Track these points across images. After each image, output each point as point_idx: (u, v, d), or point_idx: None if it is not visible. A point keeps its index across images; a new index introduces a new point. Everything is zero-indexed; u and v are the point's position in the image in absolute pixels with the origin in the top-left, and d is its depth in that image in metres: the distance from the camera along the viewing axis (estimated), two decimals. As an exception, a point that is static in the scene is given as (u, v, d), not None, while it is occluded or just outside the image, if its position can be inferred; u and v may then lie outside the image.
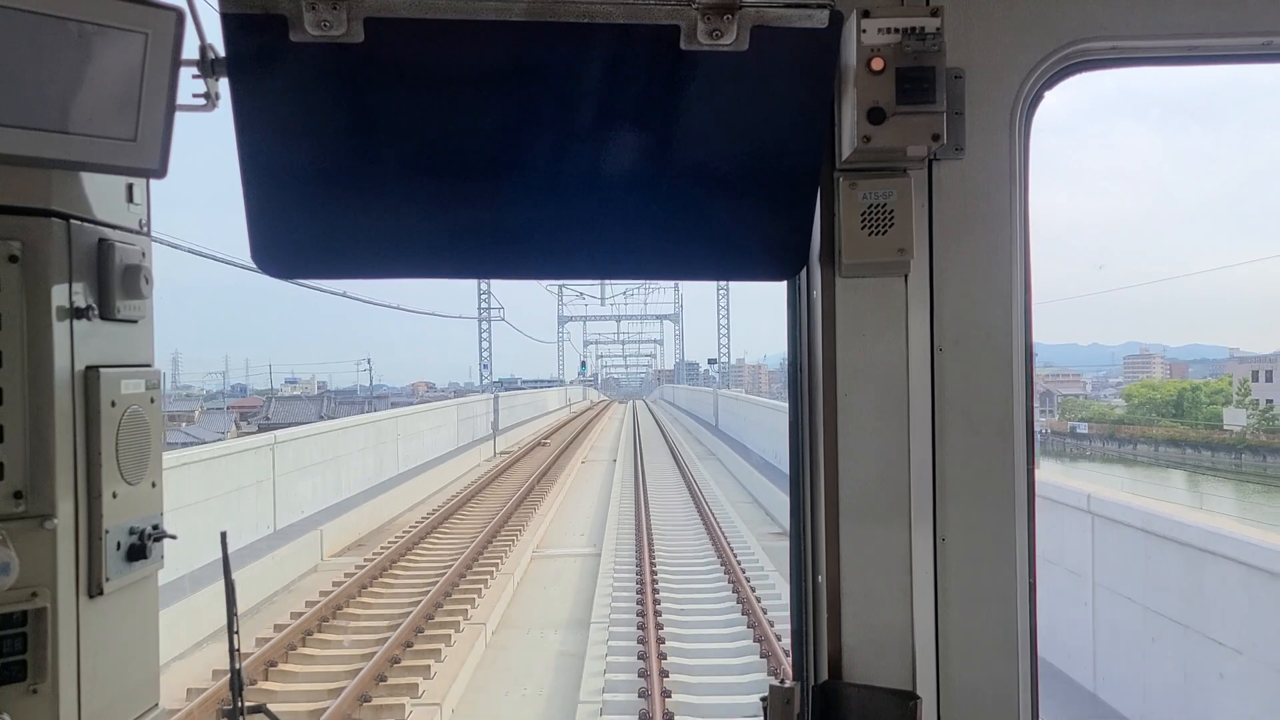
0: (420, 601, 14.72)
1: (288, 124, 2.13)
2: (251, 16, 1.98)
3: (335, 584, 16.07)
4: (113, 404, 2.10)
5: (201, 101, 2.06)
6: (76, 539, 2.03)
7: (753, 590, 15.02)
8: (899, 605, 2.28)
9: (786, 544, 8.95)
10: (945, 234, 2.30)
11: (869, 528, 2.29)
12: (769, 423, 31.63)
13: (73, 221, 2.04)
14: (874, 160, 2.20)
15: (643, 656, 12.36)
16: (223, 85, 2.05)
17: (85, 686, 2.04)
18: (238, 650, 2.40)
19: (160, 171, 2.00)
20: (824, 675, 2.30)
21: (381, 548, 19.15)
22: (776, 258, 2.34)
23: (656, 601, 14.79)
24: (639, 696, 11.10)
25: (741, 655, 12.57)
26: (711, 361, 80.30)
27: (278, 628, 13.60)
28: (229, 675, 2.43)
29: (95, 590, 2.06)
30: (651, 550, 18.50)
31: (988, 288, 2.31)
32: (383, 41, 2.01)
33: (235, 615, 2.40)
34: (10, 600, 1.92)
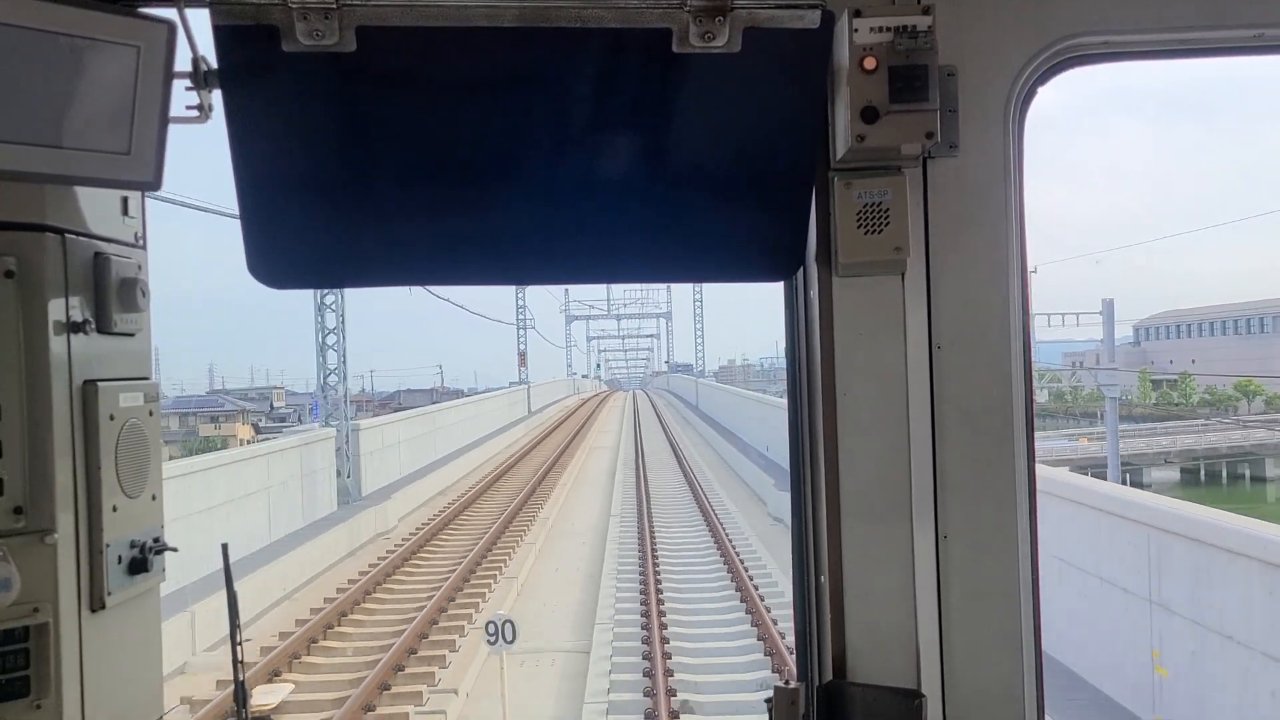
0: (582, 423, 60.47)
1: (282, 134, 2.13)
2: (243, 27, 1.98)
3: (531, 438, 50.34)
4: (111, 417, 2.09)
5: (195, 113, 2.05)
6: (77, 553, 2.02)
7: (655, 406, 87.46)
8: (902, 604, 2.28)
9: (670, 402, 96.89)
10: (941, 232, 2.29)
11: (871, 526, 2.29)
12: (687, 384, 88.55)
13: (68, 236, 2.04)
14: (869, 159, 2.20)
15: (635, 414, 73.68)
16: (216, 96, 2.05)
17: (88, 701, 2.03)
18: (241, 662, 2.40)
19: (155, 184, 2.00)
20: (828, 675, 2.29)
21: (558, 416, 68.69)
22: (773, 258, 2.34)
23: (638, 408, 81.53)
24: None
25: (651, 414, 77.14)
26: (666, 364, 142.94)
27: (526, 442, 45.48)
28: (232, 686, 2.42)
29: (97, 604, 2.05)
30: (638, 405, 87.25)
31: (985, 285, 2.31)
32: (375, 50, 2.01)
33: (238, 626, 2.40)
34: (12, 616, 1.92)
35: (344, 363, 26.58)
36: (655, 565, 18.74)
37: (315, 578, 19.24)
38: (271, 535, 20.42)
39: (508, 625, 10.49)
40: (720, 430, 45.53)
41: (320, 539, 20.92)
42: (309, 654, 13.99)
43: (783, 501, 24.46)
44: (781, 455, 24.93)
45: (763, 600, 15.62)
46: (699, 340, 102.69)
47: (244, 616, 16.71)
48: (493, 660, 12.08)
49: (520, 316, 71.45)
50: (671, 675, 12.61)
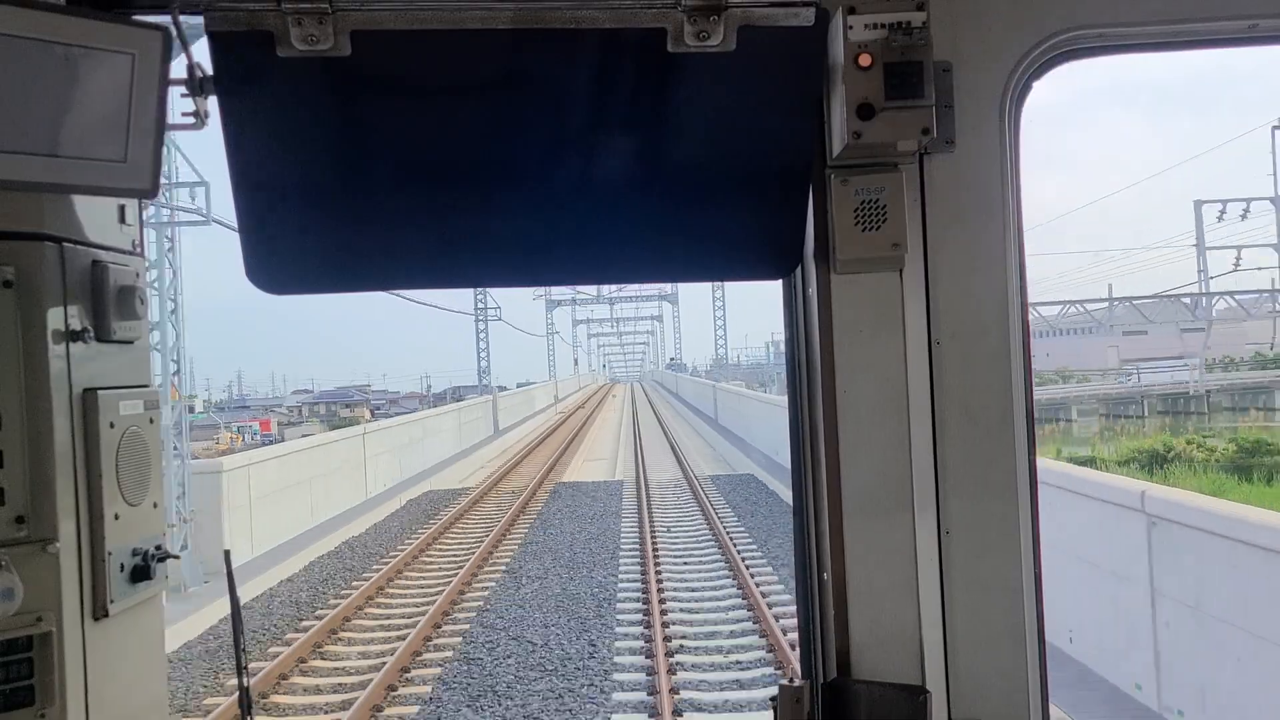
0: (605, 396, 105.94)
1: (278, 139, 2.13)
2: (238, 34, 1.98)
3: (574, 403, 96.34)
4: (111, 425, 2.09)
5: (191, 120, 2.05)
6: (80, 562, 2.02)
7: (644, 388, 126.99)
8: (905, 600, 2.28)
9: (654, 386, 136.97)
10: (939, 227, 2.30)
11: (873, 523, 2.29)
12: (668, 377, 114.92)
13: (65, 244, 2.04)
14: (865, 156, 2.20)
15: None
16: (212, 103, 2.05)
17: (93, 709, 2.03)
18: (245, 668, 2.40)
19: (151, 192, 2.00)
20: (832, 673, 2.29)
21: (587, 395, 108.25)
22: (771, 257, 2.34)
23: (633, 390, 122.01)
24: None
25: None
26: (653, 364, 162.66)
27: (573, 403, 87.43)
28: (237, 693, 2.42)
29: (100, 612, 2.05)
30: (633, 389, 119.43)
31: (983, 279, 2.31)
32: (370, 54, 2.01)
33: (242, 633, 2.40)
34: (15, 625, 1.92)
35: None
36: (633, 415, 64.64)
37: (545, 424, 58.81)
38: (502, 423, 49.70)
39: (617, 383, 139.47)
40: (670, 392, 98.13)
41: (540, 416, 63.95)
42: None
43: (662, 394, 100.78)
44: (683, 397, 78.29)
45: (654, 406, 75.50)
46: (639, 350, 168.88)
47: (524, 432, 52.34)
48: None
49: (575, 341, 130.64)
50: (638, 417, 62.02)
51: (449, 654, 12.93)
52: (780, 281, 2.47)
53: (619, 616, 14.30)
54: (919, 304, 2.29)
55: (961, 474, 2.29)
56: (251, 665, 12.13)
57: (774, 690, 2.34)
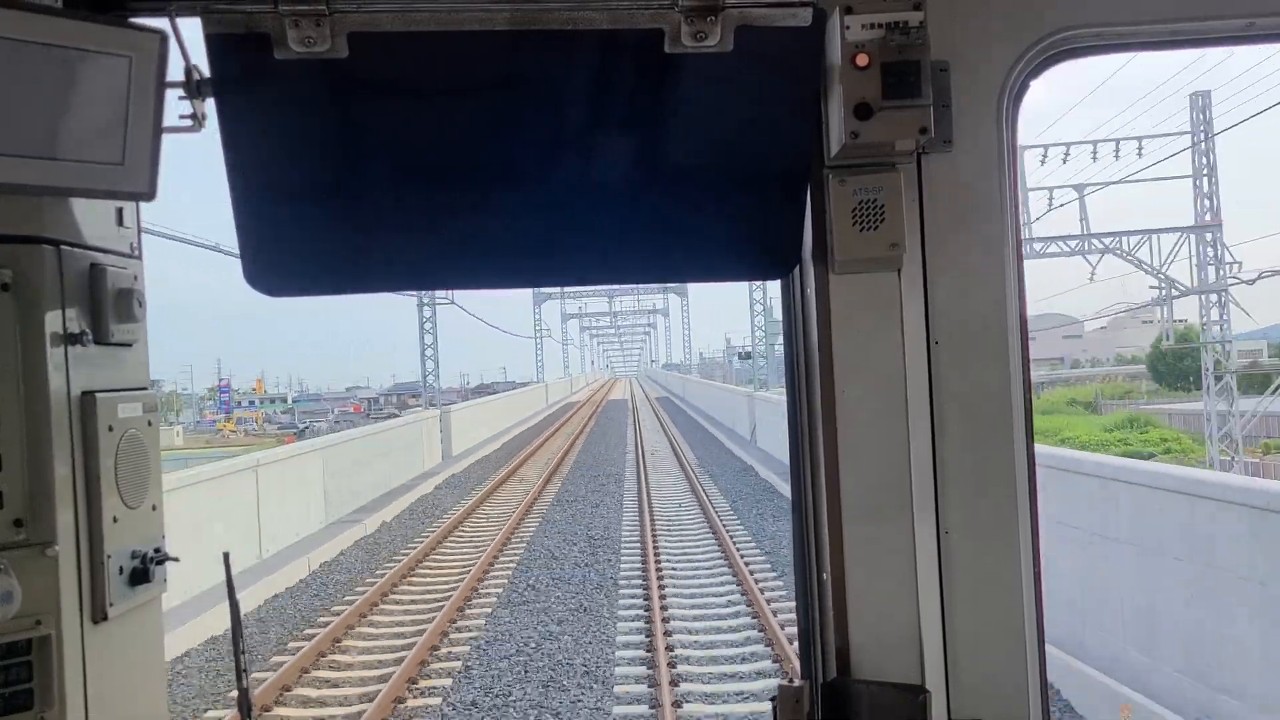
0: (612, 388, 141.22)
1: (275, 142, 2.13)
2: (235, 36, 1.97)
3: (601, 382, 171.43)
4: (110, 428, 2.09)
5: (189, 123, 2.05)
6: (79, 565, 2.02)
7: (639, 382, 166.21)
8: (905, 600, 2.28)
9: (646, 381, 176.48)
10: (937, 227, 2.29)
11: (872, 523, 2.29)
12: (661, 374, 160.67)
13: (63, 247, 2.03)
14: (863, 156, 2.20)
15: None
16: (209, 105, 2.05)
17: (93, 713, 2.03)
18: (245, 671, 2.39)
19: (149, 194, 1.99)
20: (833, 673, 2.29)
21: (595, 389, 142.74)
22: (769, 257, 2.34)
23: (631, 383, 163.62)
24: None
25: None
26: (653, 362, 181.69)
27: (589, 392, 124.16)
28: (237, 696, 2.42)
29: (99, 616, 2.05)
30: (631, 382, 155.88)
31: (981, 278, 2.31)
32: (367, 56, 2.01)
33: (241, 636, 2.39)
34: (14, 629, 1.92)
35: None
36: (631, 389, 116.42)
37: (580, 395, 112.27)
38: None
39: (616, 376, 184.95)
40: (655, 382, 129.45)
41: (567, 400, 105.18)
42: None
43: (651, 382, 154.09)
44: (659, 382, 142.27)
45: (644, 391, 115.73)
46: (637, 348, 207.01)
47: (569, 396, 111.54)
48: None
49: (579, 341, 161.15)
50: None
51: (599, 419, 63.58)
52: (779, 282, 2.47)
53: (628, 415, 63.31)
54: (917, 303, 2.29)
55: (961, 473, 2.29)
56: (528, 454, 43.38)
57: (774, 690, 2.34)
